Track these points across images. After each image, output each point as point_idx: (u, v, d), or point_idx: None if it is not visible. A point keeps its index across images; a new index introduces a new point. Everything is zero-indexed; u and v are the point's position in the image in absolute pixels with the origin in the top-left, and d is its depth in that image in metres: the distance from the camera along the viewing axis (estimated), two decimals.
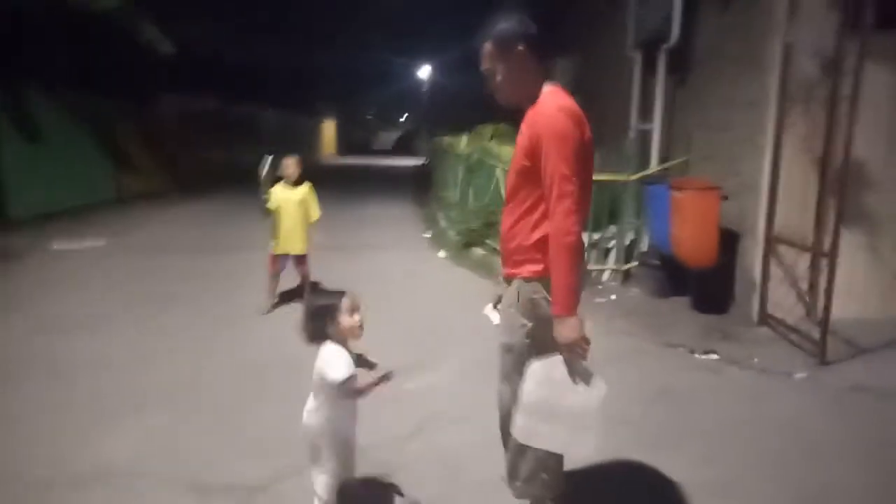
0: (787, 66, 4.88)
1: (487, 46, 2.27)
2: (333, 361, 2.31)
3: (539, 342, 2.24)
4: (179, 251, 8.15)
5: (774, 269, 5.07)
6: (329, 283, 5.65)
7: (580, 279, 2.16)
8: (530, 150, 2.17)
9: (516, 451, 2.38)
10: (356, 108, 44.66)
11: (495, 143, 8.34)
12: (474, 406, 3.68)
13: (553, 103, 2.15)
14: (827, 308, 4.27)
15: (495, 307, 2.56)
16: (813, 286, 4.95)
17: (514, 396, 2.29)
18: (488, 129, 9.20)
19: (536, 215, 2.23)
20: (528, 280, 2.26)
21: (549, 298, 2.17)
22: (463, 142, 9.96)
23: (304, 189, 5.43)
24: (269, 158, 5.26)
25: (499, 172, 7.44)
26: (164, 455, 3.12)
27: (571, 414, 2.14)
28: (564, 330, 2.09)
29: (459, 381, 4.09)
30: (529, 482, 2.39)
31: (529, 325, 2.27)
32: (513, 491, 2.46)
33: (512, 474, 2.45)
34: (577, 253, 2.11)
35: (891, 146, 5.00)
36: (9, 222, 9.37)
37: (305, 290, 5.53)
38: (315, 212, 5.49)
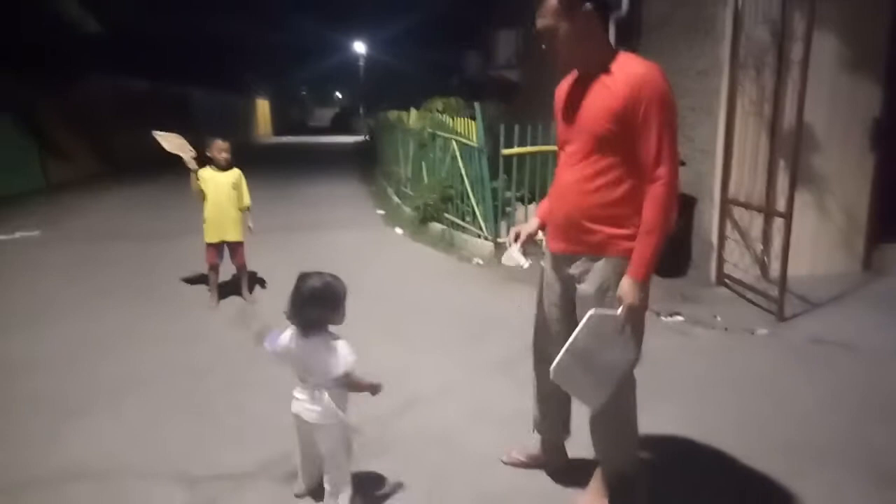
0: (738, 33, 5.01)
1: (550, 2, 2.09)
2: (341, 352, 2.26)
3: (640, 320, 2.20)
4: (120, 238, 7.77)
5: (730, 231, 5.25)
6: (287, 264, 5.49)
7: None
8: (623, 113, 2.04)
9: (604, 423, 2.35)
10: (290, 86, 43.55)
11: (447, 116, 8.26)
12: (455, 381, 3.68)
13: (652, 66, 2.06)
14: (784, 266, 4.46)
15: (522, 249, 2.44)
16: (767, 246, 5.15)
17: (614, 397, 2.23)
18: (438, 103, 9.12)
19: (623, 185, 2.12)
20: (623, 258, 2.13)
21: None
22: (412, 116, 9.83)
23: (235, 174, 5.08)
24: (159, 135, 4.87)
25: (455, 146, 7.38)
26: (140, 449, 2.97)
27: (602, 369, 2.14)
28: (636, 294, 2.07)
29: (436, 356, 4.07)
30: (616, 448, 2.39)
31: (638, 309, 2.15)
32: (600, 457, 2.45)
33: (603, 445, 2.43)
34: (667, 226, 2.08)
35: (833, 109, 5.21)
36: None
37: (243, 282, 5.28)
38: (246, 198, 5.16)
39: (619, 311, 2.10)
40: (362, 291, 5.39)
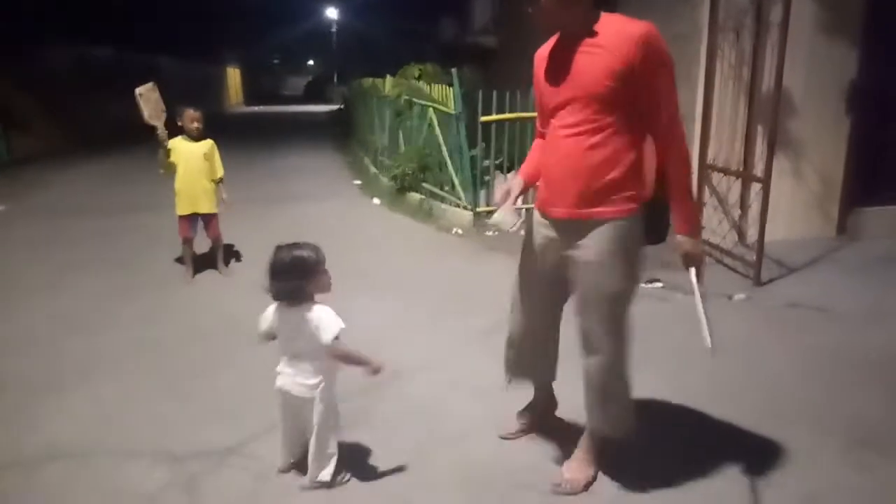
0: None
1: None
2: (326, 319, 2.22)
3: (636, 283, 2.28)
4: (90, 212, 7.56)
5: (708, 197, 5.26)
6: (263, 236, 5.39)
7: None
8: (625, 73, 2.01)
9: (600, 388, 2.32)
10: (262, 54, 42.56)
11: (423, 83, 8.11)
12: (437, 354, 3.67)
13: (649, 26, 2.04)
14: (761, 232, 4.49)
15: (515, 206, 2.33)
16: (745, 211, 5.17)
17: (615, 342, 2.25)
18: (413, 70, 8.94)
19: (622, 146, 2.10)
20: (628, 219, 2.14)
21: (642, 232, 2.19)
22: (388, 84, 9.64)
23: (207, 144, 4.93)
24: (139, 92, 4.62)
25: (432, 113, 7.27)
26: (116, 427, 2.91)
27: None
28: (693, 248, 2.23)
29: (418, 328, 4.04)
30: (615, 415, 2.36)
31: (636, 268, 2.25)
32: (593, 423, 2.40)
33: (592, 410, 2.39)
34: (688, 178, 2.18)
35: (811, 72, 5.21)
36: None
37: (218, 256, 5.16)
38: (219, 169, 5.02)
39: (692, 273, 2.26)
40: (340, 264, 5.29)
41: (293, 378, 2.31)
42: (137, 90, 4.62)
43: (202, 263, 5.24)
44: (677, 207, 2.17)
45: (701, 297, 2.23)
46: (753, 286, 4.51)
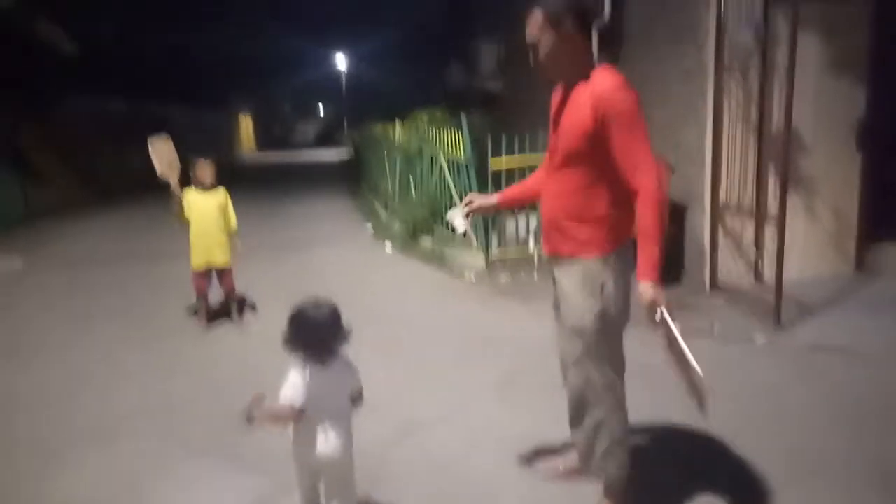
0: (721, 37, 5.00)
1: (536, 15, 2.22)
2: (352, 366, 2.28)
3: (609, 322, 2.29)
4: (104, 263, 7.63)
5: (723, 237, 5.22)
6: (277, 285, 5.42)
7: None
8: (592, 130, 2.14)
9: (592, 431, 2.41)
10: (273, 101, 43.39)
11: (433, 130, 8.21)
12: (452, 404, 3.60)
13: (613, 83, 2.13)
14: (779, 272, 4.42)
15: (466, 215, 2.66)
16: (760, 250, 5.12)
17: (586, 381, 2.35)
18: (423, 116, 9.06)
19: (597, 194, 2.24)
20: (595, 260, 2.26)
21: (617, 274, 2.26)
22: (397, 130, 9.77)
23: (221, 194, 4.94)
24: (152, 144, 4.65)
25: (443, 160, 7.33)
26: (134, 486, 2.86)
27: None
28: (657, 294, 2.15)
29: (432, 379, 3.98)
30: (605, 459, 2.41)
31: (600, 306, 2.27)
32: (588, 470, 2.49)
33: (587, 456, 2.48)
34: (662, 227, 2.17)
35: (818, 112, 5.21)
36: None
37: (232, 307, 5.15)
38: (233, 219, 5.03)
39: (667, 318, 2.18)
40: (354, 311, 5.27)
41: (317, 441, 2.23)
42: (150, 141, 4.68)
43: (216, 313, 5.23)
44: (642, 253, 2.17)
45: (681, 341, 2.19)
46: (774, 328, 4.42)
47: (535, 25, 2.23)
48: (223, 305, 5.27)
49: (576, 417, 2.48)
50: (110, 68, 15.20)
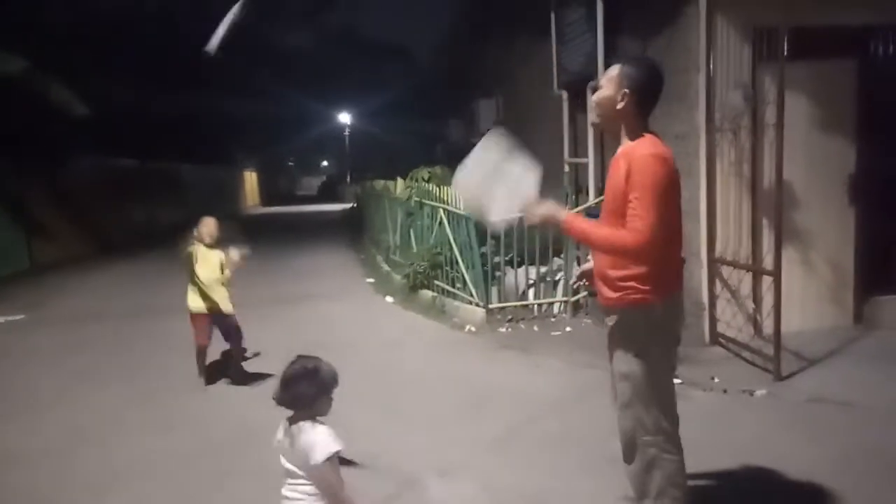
0: (711, 99, 5.18)
1: (613, 71, 2.44)
2: (321, 438, 2.16)
3: (655, 367, 2.43)
4: (107, 320, 7.66)
5: (720, 290, 5.27)
6: (278, 336, 5.44)
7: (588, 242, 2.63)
8: (624, 188, 2.33)
9: (643, 470, 2.51)
10: (277, 156, 44.16)
11: (433, 185, 8.38)
12: (452, 459, 3.59)
13: (649, 150, 2.34)
14: (777, 325, 4.46)
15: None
16: (758, 304, 5.16)
17: (636, 423, 2.48)
18: (424, 173, 9.26)
19: None
20: (640, 309, 2.41)
21: (662, 323, 2.42)
22: (399, 185, 9.95)
23: (222, 253, 5.06)
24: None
25: (443, 214, 7.46)
26: None
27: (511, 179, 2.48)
28: (550, 218, 2.43)
29: (432, 434, 3.97)
30: (659, 499, 2.48)
31: (646, 352, 2.42)
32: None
33: (640, 494, 2.55)
34: (601, 246, 2.47)
35: (809, 167, 5.34)
36: None
37: (233, 363, 5.18)
38: (227, 272, 5.08)
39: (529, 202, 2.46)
40: (354, 364, 5.31)
41: (294, 500, 2.22)
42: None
43: (215, 368, 5.24)
44: (584, 225, 2.49)
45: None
46: (774, 381, 4.42)
47: (609, 80, 2.44)
48: (222, 359, 5.28)
49: (628, 456, 2.59)
50: (120, 128, 15.58)
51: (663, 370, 2.49)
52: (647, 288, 2.38)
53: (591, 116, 2.61)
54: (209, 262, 4.97)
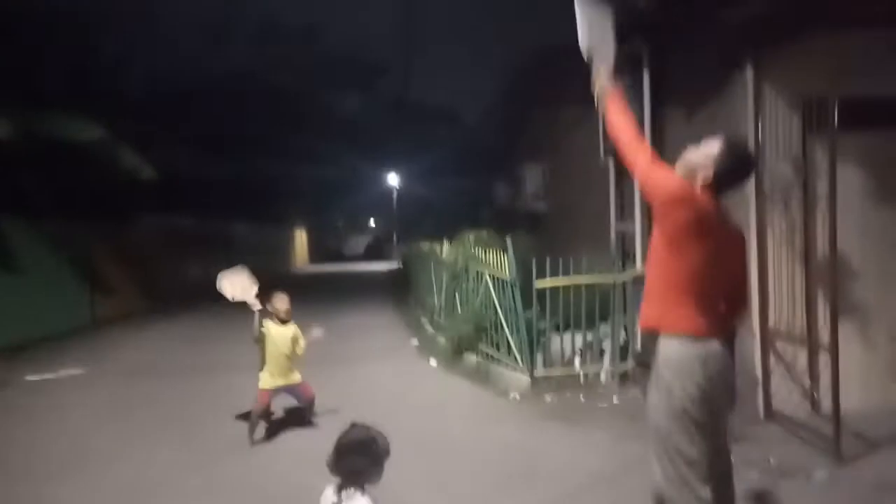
0: (760, 168, 5.15)
1: (714, 146, 2.64)
2: None
3: (674, 404, 2.54)
4: (163, 376, 7.87)
5: (775, 365, 5.10)
6: (323, 397, 5.48)
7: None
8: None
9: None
10: (326, 216, 45.30)
11: (479, 249, 8.47)
12: None
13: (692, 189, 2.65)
14: (836, 404, 4.27)
15: None
16: (814, 380, 4.96)
17: (662, 475, 2.57)
18: (469, 236, 9.37)
19: (670, 280, 2.67)
20: (670, 335, 2.63)
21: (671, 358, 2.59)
22: (445, 248, 10.09)
23: (294, 329, 5.31)
24: (224, 276, 5.25)
25: (487, 278, 7.50)
26: None
27: None
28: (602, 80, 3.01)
29: (477, 502, 3.90)
30: None
31: (668, 405, 2.57)
32: None
33: None
34: (616, 137, 2.83)
35: (865, 238, 5.20)
36: None
37: (308, 412, 5.35)
38: (300, 348, 5.33)
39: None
40: (397, 430, 5.25)
41: None
42: (221, 276, 5.18)
43: (268, 430, 5.32)
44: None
45: None
46: (834, 463, 4.20)
47: (706, 150, 2.65)
48: (296, 412, 5.46)
49: None
50: (180, 189, 16.39)
51: (688, 419, 2.51)
52: (670, 321, 2.60)
53: (677, 168, 2.75)
54: (283, 338, 5.15)
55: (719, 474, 2.61)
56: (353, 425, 2.37)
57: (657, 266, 2.73)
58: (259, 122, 21.99)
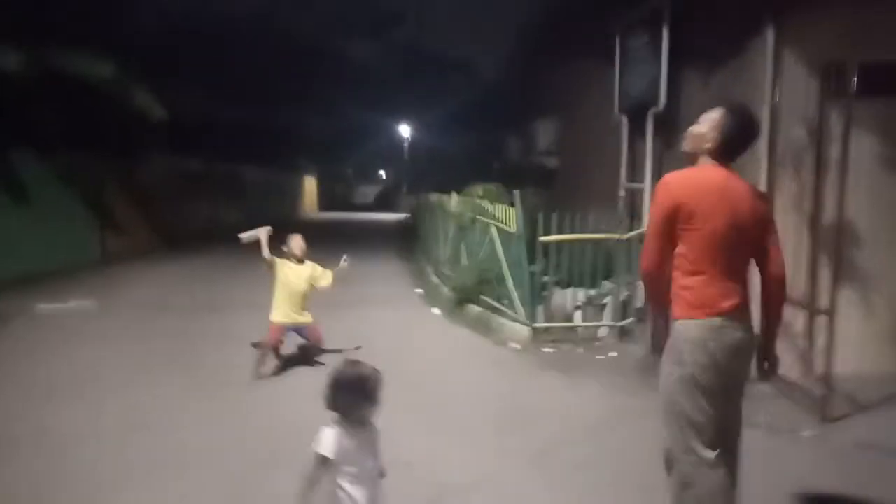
0: (775, 131, 5.11)
1: (714, 113, 2.64)
2: (322, 436, 2.31)
3: (686, 381, 2.56)
4: (170, 311, 8.04)
5: None
6: (327, 338, 5.63)
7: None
8: None
9: (678, 487, 2.62)
10: (336, 164, 45.12)
11: (487, 202, 8.49)
12: (486, 472, 3.65)
13: (666, 176, 2.64)
14: (828, 365, 4.35)
15: None
16: (811, 343, 5.03)
17: (671, 439, 2.65)
18: (478, 189, 9.39)
19: (676, 265, 2.65)
20: (677, 320, 2.63)
21: (689, 340, 2.56)
22: (453, 200, 10.11)
23: (310, 268, 5.49)
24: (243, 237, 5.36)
25: (494, 231, 7.54)
26: None
27: None
28: None
29: (469, 446, 4.04)
30: None
31: (678, 372, 2.59)
32: None
33: None
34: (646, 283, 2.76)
35: (874, 206, 5.19)
36: None
37: (313, 354, 5.53)
38: (327, 280, 5.55)
39: None
40: (397, 374, 5.40)
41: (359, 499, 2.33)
42: (241, 236, 5.32)
43: (281, 363, 5.52)
44: None
45: None
46: (822, 422, 4.31)
47: (707, 120, 2.65)
48: (301, 352, 5.67)
49: (667, 469, 2.69)
50: (192, 132, 16.36)
51: (699, 392, 2.53)
52: (685, 304, 2.56)
53: (684, 145, 2.76)
54: (298, 277, 5.27)
55: (729, 440, 2.65)
56: (347, 361, 2.44)
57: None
58: (272, 67, 21.75)
